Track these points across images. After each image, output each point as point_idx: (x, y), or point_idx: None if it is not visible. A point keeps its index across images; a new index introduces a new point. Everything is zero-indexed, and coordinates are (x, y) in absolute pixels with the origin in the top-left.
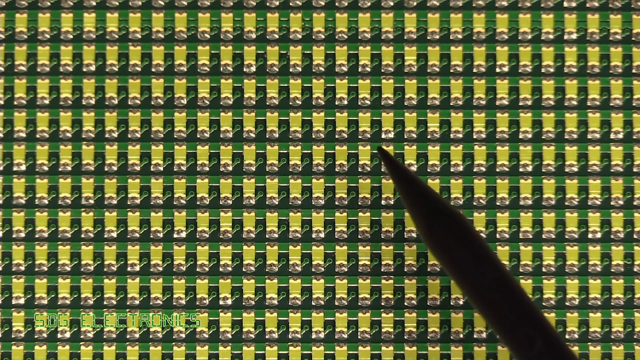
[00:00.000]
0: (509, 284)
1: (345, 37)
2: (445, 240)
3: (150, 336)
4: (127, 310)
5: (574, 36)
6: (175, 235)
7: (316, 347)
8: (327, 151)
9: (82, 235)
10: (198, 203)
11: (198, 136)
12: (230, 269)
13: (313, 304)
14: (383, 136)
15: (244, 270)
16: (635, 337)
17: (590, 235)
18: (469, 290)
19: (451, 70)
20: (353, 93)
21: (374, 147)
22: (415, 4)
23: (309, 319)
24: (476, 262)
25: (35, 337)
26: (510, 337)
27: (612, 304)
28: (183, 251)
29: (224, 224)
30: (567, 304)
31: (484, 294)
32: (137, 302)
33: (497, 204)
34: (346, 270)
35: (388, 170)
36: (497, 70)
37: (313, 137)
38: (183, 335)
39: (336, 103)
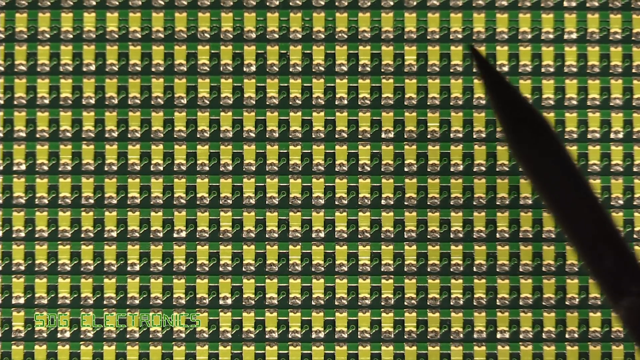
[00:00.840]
0: (591, 197)
1: (345, 36)
2: (530, 151)
3: (150, 336)
4: (127, 310)
5: (574, 36)
6: (175, 235)
7: (316, 346)
8: (327, 151)
9: (82, 235)
10: (198, 203)
11: (198, 136)
12: (230, 268)
13: (313, 303)
14: (383, 136)
15: (244, 270)
16: None
17: None
18: (548, 198)
19: (451, 70)
20: (353, 93)
21: (375, 146)
22: (415, 3)
23: (309, 318)
24: (560, 178)
25: (35, 336)
26: (586, 251)
27: None
28: (183, 251)
29: (224, 223)
30: (567, 303)
31: (566, 206)
32: (137, 301)
33: (497, 203)
34: (346, 270)
35: (478, 68)
36: (497, 70)
37: (313, 137)
38: (183, 335)
39: (336, 103)
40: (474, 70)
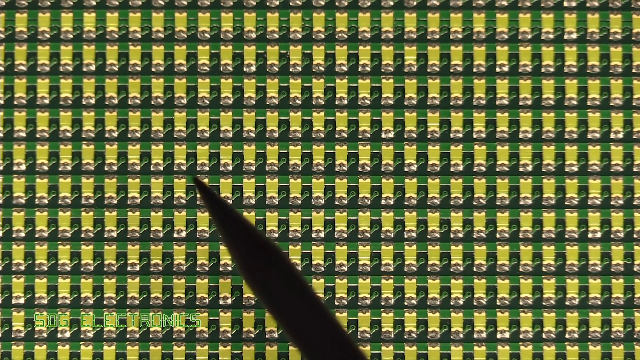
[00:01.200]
0: (325, 319)
1: (345, 36)
2: (261, 275)
3: (150, 336)
4: (127, 310)
5: (574, 36)
6: (175, 235)
7: None
8: (327, 151)
9: (82, 235)
10: (198, 203)
11: (198, 136)
12: (230, 268)
13: None
14: (383, 136)
15: None
16: (635, 337)
17: (590, 235)
18: (283, 321)
19: (451, 70)
20: (353, 93)
21: (375, 146)
22: (415, 3)
23: None
24: (294, 298)
25: (35, 336)
26: None
27: (612, 303)
28: (183, 251)
29: None
30: (567, 303)
31: (300, 329)
32: (137, 301)
33: (497, 203)
34: (346, 270)
35: (204, 202)
36: (497, 70)
37: (313, 136)
38: (183, 335)
39: (336, 103)
40: (198, 202)
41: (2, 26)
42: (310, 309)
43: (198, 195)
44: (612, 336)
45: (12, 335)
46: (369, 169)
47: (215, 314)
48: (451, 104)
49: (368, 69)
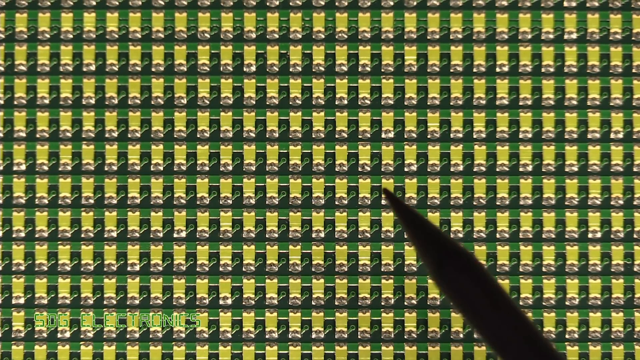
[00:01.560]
0: (525, 325)
1: (345, 36)
2: (457, 281)
3: (150, 336)
4: (127, 310)
5: (574, 36)
6: (175, 235)
7: (316, 346)
8: (327, 151)
9: (82, 235)
10: (198, 203)
11: (198, 136)
12: (230, 268)
13: (313, 303)
14: (383, 136)
15: (244, 270)
16: (635, 337)
17: (590, 235)
18: (484, 332)
19: (451, 70)
20: (353, 93)
21: (375, 146)
22: (415, 4)
23: (309, 318)
24: (491, 304)
25: (35, 336)
26: None
27: (612, 303)
28: (183, 251)
29: (224, 223)
30: (567, 303)
31: (499, 336)
32: (137, 302)
33: (497, 203)
34: (346, 270)
35: (395, 212)
36: (497, 70)
37: (313, 137)
38: (183, 335)
39: (336, 103)
40: (392, 213)
41: (2, 26)
42: (507, 314)
43: (383, 202)
44: (612, 336)
45: (12, 335)
46: (369, 169)
47: (215, 314)
48: (451, 104)
49: (368, 69)
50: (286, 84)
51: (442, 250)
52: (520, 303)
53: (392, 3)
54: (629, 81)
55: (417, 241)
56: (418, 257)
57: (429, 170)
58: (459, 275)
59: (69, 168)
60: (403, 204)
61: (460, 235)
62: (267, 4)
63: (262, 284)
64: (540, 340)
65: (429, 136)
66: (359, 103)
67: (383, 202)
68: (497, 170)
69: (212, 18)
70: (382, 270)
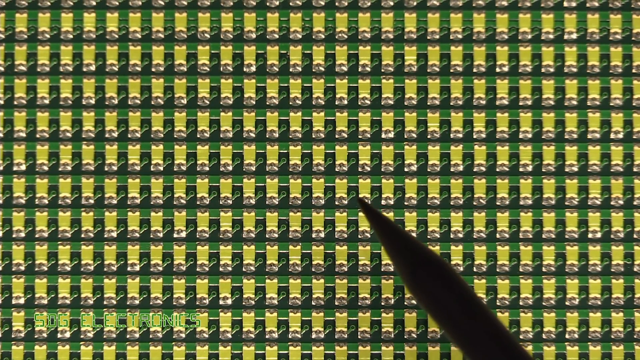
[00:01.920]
0: (498, 332)
1: (345, 37)
2: (430, 288)
3: (150, 336)
4: (127, 310)
5: (574, 36)
6: (175, 235)
7: (316, 347)
8: (327, 151)
9: (82, 235)
10: (198, 203)
11: (198, 136)
12: (230, 268)
13: (313, 303)
14: (383, 136)
15: (244, 270)
16: (635, 337)
17: (590, 235)
18: (457, 338)
19: (451, 70)
20: (353, 93)
21: (375, 147)
22: (415, 4)
23: (309, 318)
24: (464, 311)
25: (35, 337)
26: None
27: (612, 303)
28: (183, 251)
29: (224, 223)
30: (567, 303)
31: (475, 345)
32: (137, 302)
33: (497, 203)
34: (346, 270)
35: (369, 220)
36: (497, 70)
37: (313, 137)
38: (183, 335)
39: (336, 103)
40: (367, 220)
41: (2, 26)
42: (479, 321)
43: (361, 214)
44: (612, 336)
45: (12, 335)
46: (369, 169)
47: (215, 314)
48: (451, 104)
49: (368, 69)
50: (286, 84)
51: (415, 257)
52: (520, 303)
53: (392, 3)
54: (629, 81)
55: (390, 248)
56: (393, 265)
57: (429, 170)
58: (432, 282)
59: (69, 168)
60: (376, 211)
61: (461, 235)
62: (267, 4)
63: (262, 284)
64: (513, 346)
65: (429, 136)
66: (359, 103)
67: (325, 201)
68: (497, 170)
69: (212, 18)
70: (382, 270)
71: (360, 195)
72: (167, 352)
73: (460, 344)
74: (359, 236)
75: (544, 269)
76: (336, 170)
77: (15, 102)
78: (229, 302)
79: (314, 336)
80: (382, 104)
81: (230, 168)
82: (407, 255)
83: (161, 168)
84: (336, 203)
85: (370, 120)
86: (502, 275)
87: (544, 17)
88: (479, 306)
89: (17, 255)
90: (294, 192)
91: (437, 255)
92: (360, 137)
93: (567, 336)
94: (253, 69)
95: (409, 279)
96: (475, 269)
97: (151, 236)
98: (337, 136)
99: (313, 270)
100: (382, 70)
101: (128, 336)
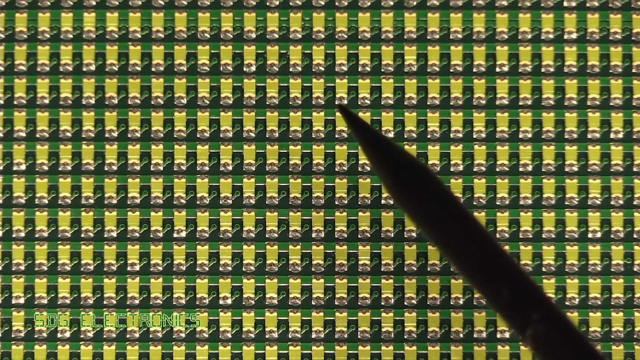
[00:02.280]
0: (477, 233)
1: (345, 36)
2: (412, 192)
3: (150, 336)
4: (127, 310)
5: (574, 36)
6: (175, 235)
7: (316, 346)
8: (327, 151)
9: (82, 235)
10: (198, 203)
11: (198, 136)
12: (230, 268)
13: (313, 303)
14: None
15: (244, 270)
16: (635, 336)
17: (590, 235)
18: (437, 240)
19: (451, 70)
20: (353, 93)
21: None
22: (415, 3)
23: (309, 318)
24: (448, 214)
25: (35, 336)
26: (481, 289)
27: (612, 303)
28: (183, 251)
29: (224, 223)
30: (567, 303)
31: (455, 245)
32: (137, 301)
33: (497, 203)
34: (346, 270)
35: (350, 127)
36: (497, 70)
37: (313, 137)
38: (183, 335)
39: (336, 103)
40: (348, 129)
41: (2, 26)
42: (462, 224)
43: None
44: (612, 336)
45: (12, 335)
46: (369, 169)
47: (215, 314)
48: (451, 104)
49: (368, 69)
50: (286, 84)
51: (398, 162)
52: None
53: (392, 3)
54: (629, 81)
55: (372, 155)
56: (375, 172)
57: None
58: (416, 186)
59: (69, 168)
60: (358, 119)
61: None
62: (267, 4)
63: (262, 284)
64: (496, 249)
65: (429, 136)
66: (359, 103)
67: (337, 113)
68: (497, 170)
69: (212, 18)
70: (382, 270)
71: (337, 196)
72: (167, 352)
73: (446, 249)
74: (359, 236)
75: (544, 269)
76: (336, 170)
77: (15, 102)
78: (229, 302)
79: (314, 336)
80: (382, 104)
81: (230, 168)
82: (390, 161)
83: (161, 168)
84: (336, 203)
85: (370, 120)
86: None
87: (544, 17)
88: (462, 210)
89: (17, 255)
90: (294, 192)
91: (419, 161)
92: None
93: None
94: (253, 68)
95: (392, 185)
96: None
97: (151, 236)
98: (337, 136)
99: (313, 270)
100: (382, 70)
101: (128, 336)
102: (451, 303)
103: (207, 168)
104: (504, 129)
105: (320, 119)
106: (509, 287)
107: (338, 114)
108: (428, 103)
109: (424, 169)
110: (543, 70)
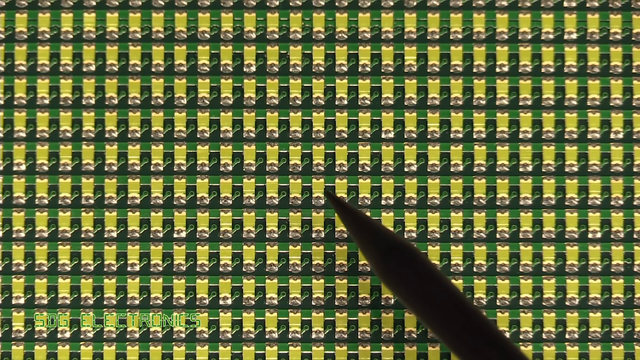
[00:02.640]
0: (463, 305)
1: (345, 37)
2: (400, 273)
3: (150, 336)
4: (127, 310)
5: (574, 36)
6: (175, 235)
7: (316, 347)
8: (327, 151)
9: (82, 235)
10: (198, 203)
11: (198, 136)
12: (230, 269)
13: (313, 303)
14: (383, 136)
15: (244, 270)
16: (635, 337)
17: (590, 235)
18: (424, 316)
19: (451, 70)
20: (353, 93)
21: (375, 147)
22: (415, 4)
23: (309, 318)
24: (431, 291)
25: (35, 337)
26: (469, 358)
27: (612, 304)
28: (183, 251)
29: (224, 223)
30: (567, 303)
31: (439, 318)
32: (137, 302)
33: (497, 203)
34: (346, 270)
35: (337, 212)
36: (497, 70)
37: (313, 137)
38: (183, 335)
39: (336, 103)
40: (335, 212)
41: (2, 26)
42: (450, 302)
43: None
44: (612, 336)
45: (12, 335)
46: (369, 169)
47: (215, 314)
48: (451, 104)
49: (368, 69)
50: (286, 84)
51: (384, 243)
52: (520, 303)
53: (392, 3)
54: (629, 81)
55: (359, 237)
56: (362, 254)
57: (429, 170)
58: (402, 266)
59: (69, 168)
60: (344, 202)
61: (461, 235)
62: (267, 4)
63: (262, 284)
64: (484, 325)
65: (429, 136)
66: (359, 103)
67: (325, 201)
68: (497, 170)
69: (212, 18)
70: None
71: (337, 196)
72: (167, 352)
73: (432, 327)
74: None
75: (544, 269)
76: (336, 170)
77: (15, 102)
78: (229, 302)
79: (314, 336)
80: (382, 104)
81: (230, 168)
82: (377, 242)
83: (161, 168)
84: None
85: (370, 120)
86: (502, 275)
87: (544, 17)
88: (450, 289)
89: (17, 255)
90: (294, 192)
91: (406, 240)
92: (360, 137)
93: (567, 336)
94: (253, 69)
95: (379, 265)
96: (475, 269)
97: (151, 236)
98: (337, 136)
99: (313, 270)
100: (382, 70)
101: (128, 336)
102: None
103: (207, 168)
104: (504, 129)
105: (320, 119)
106: (497, 355)
107: (326, 200)
108: (428, 103)
109: (408, 249)
110: (543, 70)
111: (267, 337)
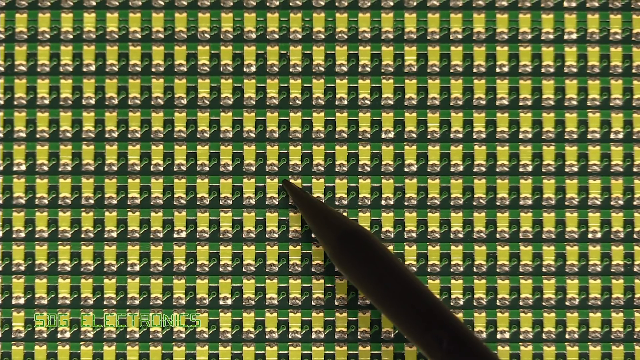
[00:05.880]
0: (415, 288)
1: (345, 37)
2: (354, 258)
3: (150, 336)
4: (127, 310)
5: (574, 36)
6: (175, 235)
7: (316, 347)
8: (327, 151)
9: (82, 235)
10: (198, 203)
11: (198, 136)
12: (230, 269)
13: (313, 303)
14: (383, 136)
15: (244, 270)
16: (635, 337)
17: (590, 235)
18: (378, 299)
19: (451, 70)
20: (353, 93)
21: (375, 147)
22: (415, 4)
23: (309, 318)
24: (384, 275)
25: (35, 337)
26: (420, 340)
27: (612, 304)
28: (183, 251)
29: (224, 223)
30: (567, 304)
31: (392, 301)
32: (137, 302)
33: (497, 203)
34: None
35: (293, 199)
36: (497, 70)
37: (313, 137)
38: (183, 335)
39: (336, 103)
40: (290, 202)
41: (2, 26)
42: (405, 285)
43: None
44: (612, 336)
45: (12, 335)
46: (369, 169)
47: (215, 314)
48: (451, 104)
49: (368, 69)
50: (286, 84)
51: (339, 228)
52: (520, 303)
53: (392, 3)
54: (629, 81)
55: (314, 223)
56: (318, 239)
57: (429, 170)
58: (357, 252)
59: (69, 168)
60: (300, 190)
61: (461, 235)
62: (267, 4)
63: (262, 284)
64: (435, 308)
65: (429, 136)
66: (359, 103)
67: (286, 192)
68: (497, 170)
69: (212, 18)
70: None
71: (338, 196)
72: (167, 352)
73: (385, 310)
74: None
75: (544, 269)
76: (336, 170)
77: (15, 102)
78: (229, 302)
79: (314, 336)
80: (382, 104)
81: (230, 168)
82: (332, 226)
83: (161, 168)
84: (336, 203)
85: (370, 120)
86: (502, 275)
87: (544, 17)
88: (400, 271)
89: (17, 255)
90: None
91: (361, 226)
92: (360, 137)
93: (567, 336)
94: (253, 69)
95: (334, 249)
96: (475, 269)
97: (151, 236)
98: (337, 136)
99: (313, 270)
100: (382, 70)
101: (128, 336)
102: (451, 303)
103: (207, 168)
104: (504, 129)
105: (320, 119)
106: (448, 336)
107: (285, 189)
108: (428, 103)
109: (363, 234)
110: (543, 70)
111: (267, 337)
